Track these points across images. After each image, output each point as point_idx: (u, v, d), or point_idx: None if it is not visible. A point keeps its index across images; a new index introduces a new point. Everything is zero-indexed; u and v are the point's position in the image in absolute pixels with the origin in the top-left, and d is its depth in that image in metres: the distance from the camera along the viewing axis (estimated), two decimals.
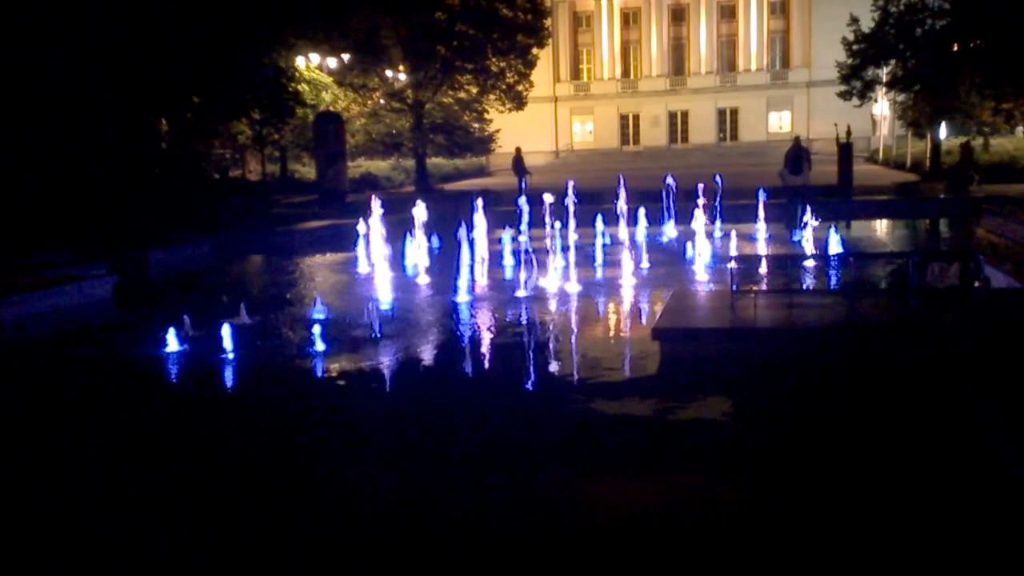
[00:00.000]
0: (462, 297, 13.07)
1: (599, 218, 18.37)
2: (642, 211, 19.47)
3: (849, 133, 30.43)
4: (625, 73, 74.16)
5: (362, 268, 16.81)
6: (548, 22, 50.24)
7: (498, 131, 54.26)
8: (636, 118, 73.09)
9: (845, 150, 29.39)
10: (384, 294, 13.50)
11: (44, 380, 9.68)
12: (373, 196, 17.97)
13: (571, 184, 16.39)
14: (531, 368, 9.39)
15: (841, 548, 4.86)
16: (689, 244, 16.70)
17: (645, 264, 15.63)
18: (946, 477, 5.79)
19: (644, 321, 11.56)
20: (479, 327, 11.68)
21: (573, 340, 10.95)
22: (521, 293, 13.20)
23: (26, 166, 21.37)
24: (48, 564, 5.16)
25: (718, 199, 21.65)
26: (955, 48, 33.48)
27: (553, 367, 9.43)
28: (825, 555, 4.82)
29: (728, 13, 71.63)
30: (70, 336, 11.92)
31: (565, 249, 14.55)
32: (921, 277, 9.86)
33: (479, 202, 15.76)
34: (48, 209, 20.18)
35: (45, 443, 7.47)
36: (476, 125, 52.76)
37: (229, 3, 26.54)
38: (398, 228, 17.25)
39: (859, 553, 4.76)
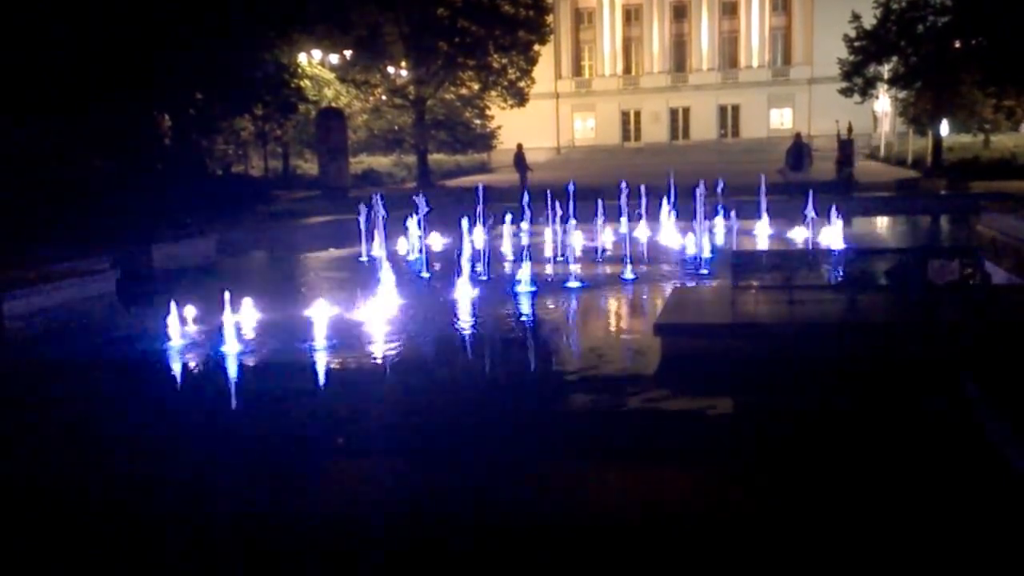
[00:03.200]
0: (463, 295, 13.07)
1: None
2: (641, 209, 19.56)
3: (850, 130, 30.43)
4: (627, 70, 74.11)
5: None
6: (550, 18, 50.19)
7: (500, 127, 54.24)
8: (637, 115, 73.08)
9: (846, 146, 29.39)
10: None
11: (44, 376, 9.71)
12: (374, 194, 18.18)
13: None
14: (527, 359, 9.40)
15: (840, 545, 4.89)
16: (688, 240, 16.73)
17: (644, 260, 15.68)
18: (946, 474, 5.82)
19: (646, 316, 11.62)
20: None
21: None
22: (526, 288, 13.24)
23: (29, 163, 21.40)
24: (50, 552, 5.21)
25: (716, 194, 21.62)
26: (957, 45, 33.52)
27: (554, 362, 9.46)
28: (824, 552, 4.86)
29: (730, 10, 71.57)
30: (71, 330, 11.94)
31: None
32: (922, 273, 9.88)
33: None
34: (51, 205, 20.21)
35: (44, 439, 7.50)
36: (478, 121, 52.81)
37: (231, 1, 26.56)
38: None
39: (859, 551, 4.79)
